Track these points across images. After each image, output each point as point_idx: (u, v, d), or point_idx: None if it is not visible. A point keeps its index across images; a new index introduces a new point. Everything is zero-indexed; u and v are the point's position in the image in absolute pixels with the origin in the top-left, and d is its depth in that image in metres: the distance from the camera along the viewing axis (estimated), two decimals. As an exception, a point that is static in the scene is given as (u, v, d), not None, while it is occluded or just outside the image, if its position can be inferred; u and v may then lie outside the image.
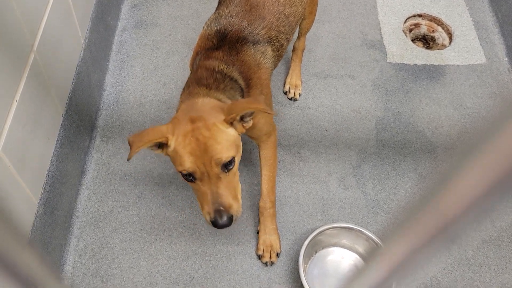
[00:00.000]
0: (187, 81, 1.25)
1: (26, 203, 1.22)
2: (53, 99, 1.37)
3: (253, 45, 1.26)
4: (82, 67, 1.59)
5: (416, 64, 1.95)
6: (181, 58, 1.93)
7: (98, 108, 1.77)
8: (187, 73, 1.88)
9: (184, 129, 1.01)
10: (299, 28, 1.67)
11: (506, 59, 1.97)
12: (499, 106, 0.22)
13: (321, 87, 1.87)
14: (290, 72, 1.83)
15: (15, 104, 1.14)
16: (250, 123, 1.07)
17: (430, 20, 2.12)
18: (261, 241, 1.45)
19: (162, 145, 1.07)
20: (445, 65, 1.95)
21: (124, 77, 1.86)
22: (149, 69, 1.89)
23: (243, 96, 1.21)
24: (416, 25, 2.12)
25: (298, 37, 1.74)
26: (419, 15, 2.13)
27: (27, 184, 1.21)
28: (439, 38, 2.08)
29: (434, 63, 1.95)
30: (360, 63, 1.94)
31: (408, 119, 1.79)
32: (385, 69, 1.93)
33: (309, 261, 1.44)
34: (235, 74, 1.19)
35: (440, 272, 1.46)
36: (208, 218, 1.04)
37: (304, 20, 1.62)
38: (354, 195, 1.60)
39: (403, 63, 1.95)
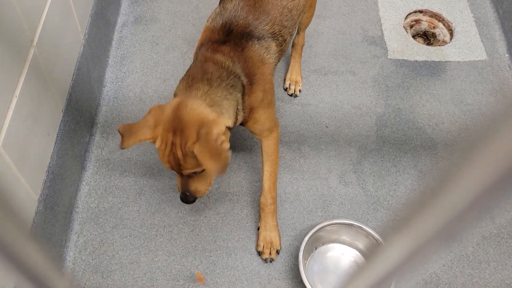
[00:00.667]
0: (190, 68, 1.24)
1: (26, 199, 1.22)
2: (53, 95, 1.37)
3: (257, 40, 1.26)
4: (82, 63, 1.59)
5: (416, 61, 1.94)
6: (181, 54, 1.93)
7: (98, 104, 1.77)
8: (187, 69, 1.88)
9: (165, 137, 1.11)
10: (299, 23, 1.67)
11: (507, 55, 1.97)
12: (500, 102, 0.22)
13: (322, 83, 1.86)
14: (290, 68, 1.83)
15: (14, 100, 1.14)
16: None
17: (431, 16, 2.11)
18: (261, 238, 1.46)
19: None
20: (446, 62, 1.95)
21: (124, 73, 1.86)
22: (149, 65, 1.89)
23: (243, 94, 1.21)
24: (417, 21, 2.11)
25: (298, 33, 1.74)
26: (420, 11, 2.13)
27: (27, 180, 1.21)
28: (440, 34, 2.08)
29: (434, 60, 1.95)
30: (361, 59, 1.94)
31: (409, 116, 1.79)
32: (385, 66, 1.93)
33: (309, 257, 1.45)
34: (239, 71, 1.20)
35: (439, 268, 1.47)
36: (179, 193, 1.28)
37: (304, 14, 1.62)
38: (354, 192, 1.60)
39: (403, 59, 1.95)
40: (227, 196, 1.58)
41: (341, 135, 1.73)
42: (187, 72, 1.24)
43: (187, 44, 1.95)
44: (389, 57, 1.95)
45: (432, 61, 1.95)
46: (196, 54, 1.30)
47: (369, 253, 0.37)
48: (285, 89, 1.83)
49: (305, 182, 1.61)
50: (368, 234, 1.42)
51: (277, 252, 1.46)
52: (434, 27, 2.10)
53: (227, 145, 1.11)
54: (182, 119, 1.09)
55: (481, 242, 1.52)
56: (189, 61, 1.89)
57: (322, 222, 1.44)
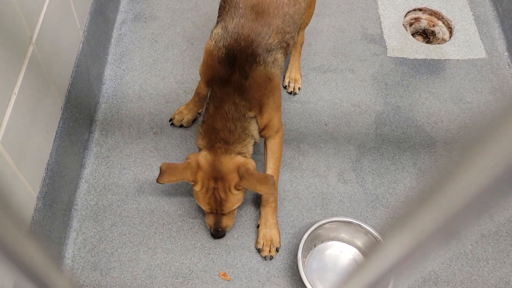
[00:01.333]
0: (204, 124, 1.31)
1: (25, 197, 1.22)
2: (52, 92, 1.37)
3: (262, 58, 1.26)
4: (81, 60, 1.58)
5: (416, 59, 1.94)
6: (180, 52, 1.92)
7: (97, 101, 1.77)
8: (186, 67, 1.88)
9: (207, 184, 1.29)
10: (299, 22, 1.67)
11: (506, 53, 1.97)
12: (499, 101, 0.22)
13: (321, 81, 1.86)
14: (289, 66, 1.83)
15: (13, 97, 1.14)
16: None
17: (431, 14, 2.11)
18: (261, 235, 1.46)
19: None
20: (445, 60, 1.95)
21: (123, 70, 1.86)
22: (148, 62, 1.89)
23: (257, 121, 1.31)
24: (417, 19, 2.11)
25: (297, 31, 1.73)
26: (420, 9, 2.12)
27: (26, 177, 1.21)
28: (439, 32, 2.07)
29: (434, 58, 1.95)
30: (360, 57, 1.94)
31: (408, 114, 1.79)
32: (385, 64, 1.92)
33: (308, 255, 1.45)
34: (247, 110, 1.28)
35: (438, 266, 1.47)
36: (209, 228, 1.44)
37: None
38: (353, 189, 1.60)
39: (403, 58, 1.94)
40: (226, 193, 1.58)
41: (340, 133, 1.73)
42: (201, 127, 1.32)
43: (187, 42, 1.95)
44: (388, 55, 1.95)
45: (432, 59, 1.95)
46: (204, 82, 1.38)
47: (368, 251, 0.37)
48: (285, 87, 1.83)
49: (304, 180, 1.61)
50: (367, 232, 1.42)
51: (277, 250, 1.46)
52: (433, 25, 2.09)
53: None
54: (221, 170, 1.27)
55: (479, 240, 1.52)
56: (188, 59, 1.89)
57: (321, 220, 1.44)
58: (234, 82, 1.26)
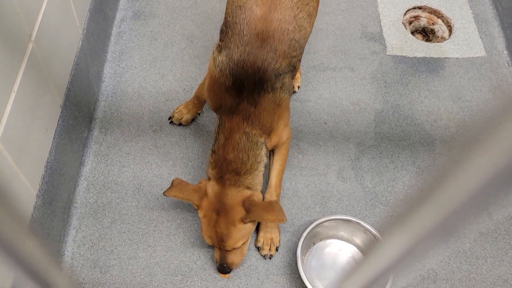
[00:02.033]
0: (215, 155, 1.28)
1: (25, 194, 1.22)
2: (51, 90, 1.37)
3: (270, 85, 1.24)
4: (80, 58, 1.58)
5: (415, 57, 1.94)
6: (180, 49, 1.92)
7: (97, 99, 1.76)
8: (185, 65, 1.88)
9: (209, 217, 1.27)
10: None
11: (506, 52, 1.97)
12: (498, 99, 0.22)
13: (320, 79, 1.86)
14: (289, 64, 1.82)
15: (13, 95, 1.14)
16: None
17: (430, 13, 2.11)
18: (261, 234, 1.46)
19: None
20: (445, 58, 1.95)
21: (123, 68, 1.86)
22: (147, 60, 1.88)
23: (266, 145, 1.29)
24: (416, 18, 2.11)
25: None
26: (419, 8, 2.12)
27: (25, 175, 1.21)
28: (438, 30, 2.07)
29: (433, 56, 1.95)
30: (360, 56, 1.94)
31: (407, 112, 1.79)
32: (384, 62, 1.92)
33: (307, 253, 1.45)
34: (258, 137, 1.26)
35: (437, 264, 1.47)
36: (217, 264, 1.40)
37: None
38: (353, 188, 1.60)
39: (402, 56, 1.94)
40: (225, 191, 1.58)
41: (339, 131, 1.73)
42: (211, 157, 1.29)
43: (186, 40, 1.95)
44: (388, 53, 1.95)
45: (431, 57, 1.95)
46: (208, 99, 1.36)
47: (367, 249, 0.37)
48: (284, 85, 1.82)
49: (304, 178, 1.62)
50: (366, 230, 1.42)
51: (276, 249, 1.46)
52: (433, 24, 2.09)
53: None
54: (225, 203, 1.25)
55: (478, 238, 1.52)
56: (187, 57, 1.89)
57: (320, 218, 1.44)
58: (243, 111, 1.24)
